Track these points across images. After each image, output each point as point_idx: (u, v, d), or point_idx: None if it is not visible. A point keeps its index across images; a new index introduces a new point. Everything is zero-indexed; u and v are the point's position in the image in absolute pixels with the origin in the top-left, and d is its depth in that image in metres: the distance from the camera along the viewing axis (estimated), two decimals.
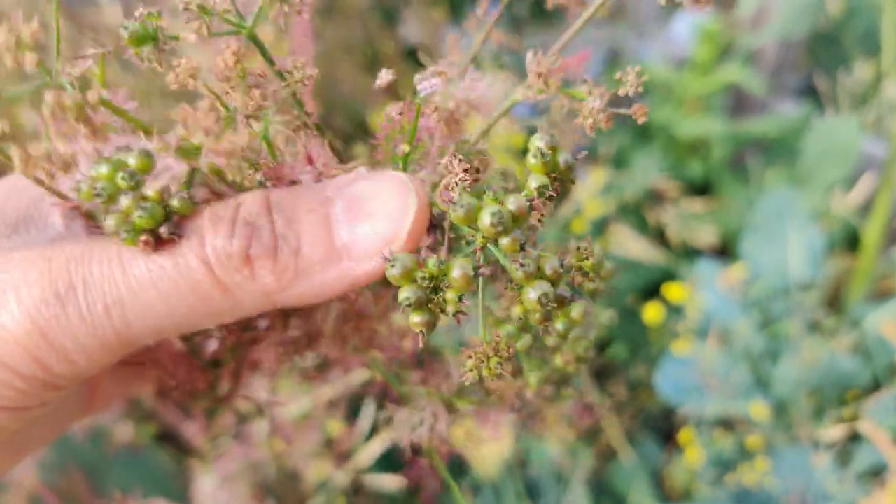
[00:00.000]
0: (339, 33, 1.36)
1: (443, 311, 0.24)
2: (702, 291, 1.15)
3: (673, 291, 1.15)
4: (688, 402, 1.10)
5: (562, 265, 0.24)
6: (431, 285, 0.24)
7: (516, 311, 0.25)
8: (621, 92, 0.28)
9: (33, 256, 0.27)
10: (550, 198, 0.25)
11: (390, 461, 0.92)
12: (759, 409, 1.03)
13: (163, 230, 0.27)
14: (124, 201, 0.26)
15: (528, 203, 0.24)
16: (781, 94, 1.63)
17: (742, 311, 1.13)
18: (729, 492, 1.04)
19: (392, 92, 0.34)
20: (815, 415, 1.12)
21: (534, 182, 0.25)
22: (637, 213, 1.31)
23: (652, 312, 1.16)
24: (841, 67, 1.54)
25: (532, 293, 0.24)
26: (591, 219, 1.20)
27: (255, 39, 0.28)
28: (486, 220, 0.23)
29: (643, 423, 1.31)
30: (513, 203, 0.24)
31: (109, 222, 0.27)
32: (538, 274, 0.24)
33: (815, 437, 1.08)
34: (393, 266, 0.24)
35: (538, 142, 0.25)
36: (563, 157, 0.25)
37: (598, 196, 1.20)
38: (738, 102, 1.66)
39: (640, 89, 0.28)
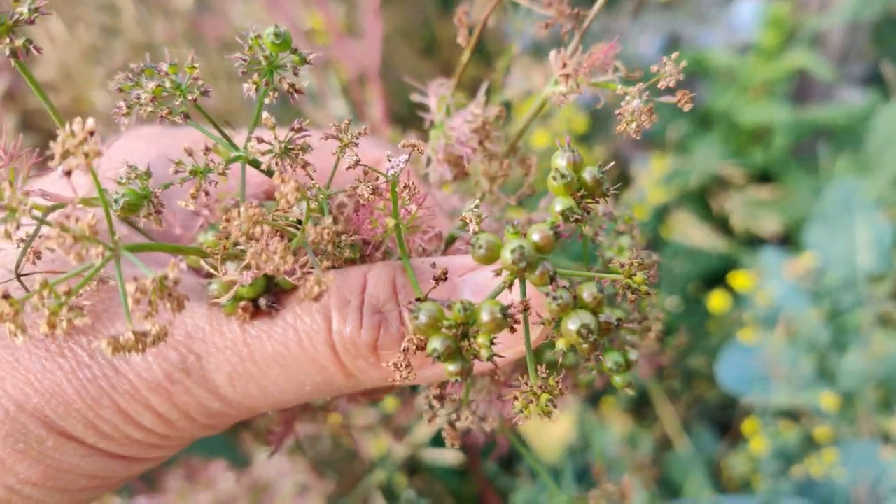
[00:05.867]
0: (397, 18, 1.37)
1: (476, 356, 0.23)
2: (767, 281, 1.13)
3: (739, 280, 1.13)
4: (750, 392, 1.09)
5: (601, 290, 0.22)
6: (460, 332, 0.23)
7: (559, 344, 0.23)
8: (661, 84, 0.26)
9: None
10: (579, 220, 0.23)
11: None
12: (829, 400, 1.01)
13: (262, 302, 0.27)
14: (231, 270, 0.26)
15: (552, 232, 0.22)
16: (846, 83, 1.58)
17: (810, 302, 1.11)
18: (793, 483, 1.03)
19: (447, 73, 0.33)
20: (881, 407, 1.10)
21: (558, 206, 0.23)
22: (700, 200, 1.29)
23: (716, 301, 1.15)
24: None
25: (571, 325, 0.22)
26: (654, 206, 1.19)
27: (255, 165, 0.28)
28: (507, 257, 0.21)
29: (700, 413, 1.30)
30: (536, 234, 0.22)
31: (214, 287, 0.27)
32: (578, 303, 0.22)
33: (881, 429, 1.06)
34: (417, 317, 0.23)
35: (559, 160, 0.23)
36: (589, 173, 0.23)
37: (661, 183, 1.19)
38: (801, 90, 1.62)
39: (681, 77, 0.26)
